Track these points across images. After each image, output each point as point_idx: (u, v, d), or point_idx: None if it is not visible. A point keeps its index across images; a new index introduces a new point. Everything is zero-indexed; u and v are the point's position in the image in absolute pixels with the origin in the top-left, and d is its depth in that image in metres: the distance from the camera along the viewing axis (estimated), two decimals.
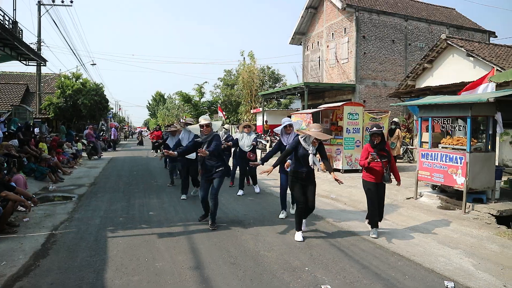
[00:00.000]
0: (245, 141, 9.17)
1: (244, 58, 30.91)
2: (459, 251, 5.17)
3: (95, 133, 21.57)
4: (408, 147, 15.71)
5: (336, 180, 5.43)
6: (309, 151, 5.39)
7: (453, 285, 4.02)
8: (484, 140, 7.48)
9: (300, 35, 25.46)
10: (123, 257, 4.73)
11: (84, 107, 23.29)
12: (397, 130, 12.90)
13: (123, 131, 54.17)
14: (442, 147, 7.71)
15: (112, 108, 44.99)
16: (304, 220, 5.78)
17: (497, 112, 7.10)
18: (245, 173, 9.51)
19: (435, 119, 7.90)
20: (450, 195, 7.77)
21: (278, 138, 6.83)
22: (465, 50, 13.42)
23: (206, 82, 60.60)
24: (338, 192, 9.12)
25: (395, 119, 13.90)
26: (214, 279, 4.09)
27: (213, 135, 6.01)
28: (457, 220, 6.65)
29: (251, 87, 29.86)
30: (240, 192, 8.98)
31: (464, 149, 7.13)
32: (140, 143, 33.93)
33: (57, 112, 23.04)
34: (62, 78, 24.30)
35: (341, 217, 6.94)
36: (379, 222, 5.93)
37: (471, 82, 10.54)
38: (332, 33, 21.90)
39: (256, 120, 28.30)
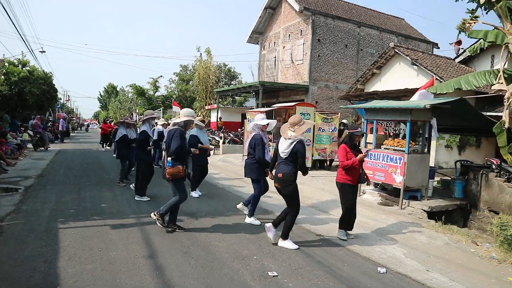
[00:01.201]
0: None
1: (200, 54, 30.86)
2: (393, 242, 5.69)
3: (43, 123, 20.70)
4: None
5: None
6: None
7: (385, 271, 4.48)
8: (421, 143, 8.15)
9: (258, 35, 25.83)
10: (75, 247, 4.78)
11: (31, 96, 22.27)
12: (346, 131, 13.54)
13: (71, 122, 52.16)
14: (385, 148, 8.32)
15: (61, 99, 43.14)
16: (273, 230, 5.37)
17: (433, 118, 7.78)
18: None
19: (379, 122, 8.49)
20: (389, 192, 8.40)
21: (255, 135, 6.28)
22: (410, 59, 14.34)
23: (161, 76, 59.47)
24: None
25: (344, 121, 14.59)
26: (167, 267, 4.27)
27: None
28: (394, 215, 7.24)
29: (207, 84, 29.86)
30: (195, 194, 8.37)
31: (403, 151, 7.75)
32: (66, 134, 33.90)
33: (0, 100, 21.87)
34: (7, 64, 23.08)
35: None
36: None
37: (414, 88, 11.38)
38: (289, 35, 22.44)
39: (210, 117, 28.39)
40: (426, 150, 8.17)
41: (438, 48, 26.25)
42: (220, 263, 4.46)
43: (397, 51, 15.00)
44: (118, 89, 70.81)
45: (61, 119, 26.80)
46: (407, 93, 12.34)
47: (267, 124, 6.33)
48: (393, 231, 6.31)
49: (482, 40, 8.34)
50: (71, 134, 36.90)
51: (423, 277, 4.40)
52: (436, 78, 12.79)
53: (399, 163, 7.72)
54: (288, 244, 5.15)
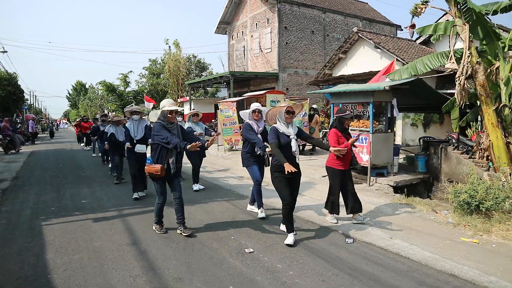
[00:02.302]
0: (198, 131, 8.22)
1: (169, 46, 30.67)
2: (361, 215, 6.14)
3: (12, 125, 20.30)
4: (326, 131, 17.06)
5: (339, 150, 5.11)
6: (291, 136, 4.83)
7: (352, 241, 4.92)
8: (384, 123, 8.65)
9: (225, 25, 25.91)
10: (61, 241, 5.00)
11: None
12: (316, 115, 13.99)
13: (40, 123, 50.94)
14: (351, 130, 8.76)
15: (27, 99, 42.01)
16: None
17: (393, 98, 8.26)
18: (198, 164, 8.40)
19: (345, 105, 8.93)
20: (358, 171, 8.89)
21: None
22: (373, 43, 14.88)
23: (131, 71, 58.41)
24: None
25: (314, 106, 15.04)
26: (150, 251, 4.56)
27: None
28: (363, 192, 7.72)
29: (178, 76, 29.78)
30: (196, 187, 8.24)
31: (368, 131, 8.22)
32: (51, 134, 34.08)
33: None
34: None
35: (263, 195, 7.67)
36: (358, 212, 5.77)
37: (378, 71, 11.91)
38: (256, 24, 22.65)
39: (183, 109, 28.40)
40: (389, 129, 8.67)
41: (402, 30, 27.09)
42: (200, 245, 4.79)
43: (360, 35, 15.51)
44: (87, 86, 69.30)
45: (30, 120, 26.29)
46: (372, 76, 12.85)
47: (258, 112, 5.98)
48: (362, 206, 6.76)
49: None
50: (41, 135, 36.30)
51: (386, 244, 4.85)
52: (398, 60, 13.37)
53: (365, 143, 8.19)
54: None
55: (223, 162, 12.61)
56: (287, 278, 3.82)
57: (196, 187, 8.25)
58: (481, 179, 6.32)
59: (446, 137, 11.84)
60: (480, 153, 8.07)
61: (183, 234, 5.11)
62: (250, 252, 4.52)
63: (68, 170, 11.90)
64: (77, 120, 28.02)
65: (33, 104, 56.36)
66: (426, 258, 4.35)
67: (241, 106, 14.49)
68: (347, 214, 5.83)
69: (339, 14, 23.39)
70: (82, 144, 21.42)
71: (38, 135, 30.45)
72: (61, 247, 4.77)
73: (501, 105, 7.57)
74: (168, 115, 4.96)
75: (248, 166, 6.05)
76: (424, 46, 16.72)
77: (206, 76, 31.12)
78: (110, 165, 10.93)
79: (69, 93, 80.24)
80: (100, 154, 13.85)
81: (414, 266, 4.15)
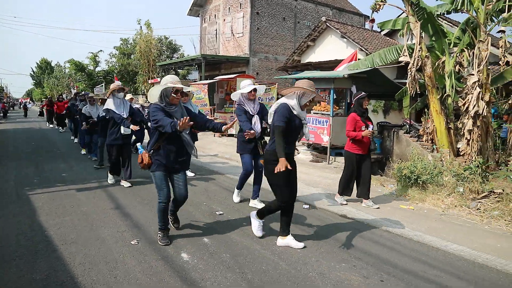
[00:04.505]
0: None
1: (141, 27, 30.53)
2: (319, 188, 6.99)
3: None
4: None
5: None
6: (303, 121, 4.05)
7: (308, 206, 5.75)
8: (344, 107, 9.51)
9: (198, 7, 26.10)
10: (50, 206, 5.52)
11: None
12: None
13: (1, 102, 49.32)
14: (314, 113, 9.59)
15: None
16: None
17: (352, 85, 9.11)
18: None
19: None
20: (319, 151, 9.76)
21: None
22: (340, 32, 15.71)
23: (101, 50, 57.39)
24: (231, 153, 10.62)
25: None
26: (133, 214, 5.20)
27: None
28: (322, 169, 8.60)
29: (149, 57, 29.79)
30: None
31: (329, 114, 9.06)
32: (25, 115, 32.65)
33: None
34: None
35: (233, 172, 8.41)
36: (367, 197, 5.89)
37: (343, 59, 12.75)
38: (229, 8, 23.03)
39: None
40: (347, 113, 9.54)
41: (373, 19, 28.12)
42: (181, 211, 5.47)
43: (328, 24, 16.29)
44: (53, 64, 67.17)
45: None
46: (337, 64, 13.69)
47: (254, 91, 5.40)
48: (320, 181, 7.62)
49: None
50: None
51: (337, 209, 5.69)
52: (362, 50, 14.28)
53: (326, 125, 9.04)
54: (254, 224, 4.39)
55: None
56: (251, 232, 4.55)
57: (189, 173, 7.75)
58: (423, 159, 7.29)
59: (402, 123, 12.91)
60: (426, 137, 9.08)
61: (158, 242, 4.18)
62: (220, 214, 5.27)
63: (41, 147, 12.17)
64: (46, 99, 26.98)
65: None
66: (368, 219, 5.22)
67: (212, 89, 15.04)
68: (356, 196, 6.03)
69: (310, 2, 24.09)
70: (51, 126, 20.64)
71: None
72: (51, 211, 5.32)
73: (445, 95, 8.55)
74: (173, 94, 4.06)
75: (242, 153, 5.62)
76: (388, 38, 17.71)
77: (177, 58, 31.26)
78: (85, 149, 10.36)
79: (33, 71, 77.48)
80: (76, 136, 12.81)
81: (357, 225, 5.01)
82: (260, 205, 5.44)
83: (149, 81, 29.38)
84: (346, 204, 5.93)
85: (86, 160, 9.64)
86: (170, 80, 4.13)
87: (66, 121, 16.21)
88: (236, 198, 5.96)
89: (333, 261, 3.77)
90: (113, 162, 6.96)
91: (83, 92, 13.85)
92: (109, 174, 7.14)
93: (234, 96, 5.64)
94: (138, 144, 4.76)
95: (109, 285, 3.21)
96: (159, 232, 4.27)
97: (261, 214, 4.34)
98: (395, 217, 5.37)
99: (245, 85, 5.46)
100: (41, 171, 8.22)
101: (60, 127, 17.83)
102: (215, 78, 16.36)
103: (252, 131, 5.16)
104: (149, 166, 4.12)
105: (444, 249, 4.24)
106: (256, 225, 4.39)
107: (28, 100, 62.29)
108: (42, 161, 9.51)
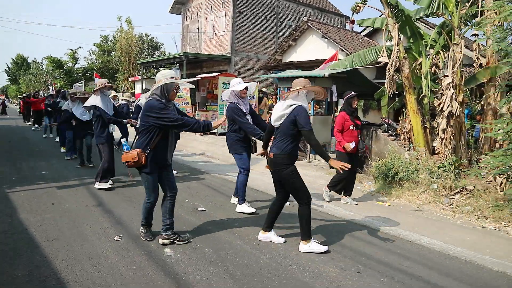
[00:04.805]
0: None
1: (121, 24, 30.21)
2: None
3: None
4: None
5: None
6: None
7: (289, 203, 5.86)
8: (324, 107, 9.69)
9: (180, 5, 25.99)
10: (30, 204, 5.48)
11: None
12: (264, 98, 14.90)
13: None
14: None
15: None
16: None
17: (333, 85, 9.29)
18: None
19: (291, 89, 9.86)
20: (300, 149, 9.91)
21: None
22: (321, 32, 15.94)
23: (80, 47, 56.23)
24: (213, 151, 10.69)
25: (264, 89, 15.93)
26: (115, 211, 5.23)
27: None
28: (302, 167, 8.73)
29: (129, 55, 29.53)
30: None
31: (310, 113, 9.21)
32: (3, 112, 31.69)
33: None
34: None
35: (215, 169, 8.51)
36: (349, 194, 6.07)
37: (324, 59, 12.95)
38: (211, 6, 23.03)
39: (135, 88, 28.27)
40: (329, 112, 9.74)
41: (354, 20, 28.54)
42: (158, 206, 5.48)
43: (310, 25, 16.51)
44: (30, 61, 65.58)
45: None
46: (318, 63, 13.91)
47: (246, 89, 5.35)
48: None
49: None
50: None
51: (317, 206, 5.84)
52: (342, 50, 14.53)
53: None
54: (314, 247, 3.99)
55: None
56: (233, 227, 4.66)
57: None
58: (400, 157, 7.52)
59: (381, 122, 13.21)
60: (403, 136, 9.34)
61: (176, 242, 4.13)
62: (202, 211, 5.36)
63: (19, 145, 11.98)
64: (23, 96, 26.13)
65: None
66: (346, 215, 5.40)
67: (194, 87, 15.03)
68: (339, 194, 6.22)
69: (292, 2, 24.29)
70: (28, 123, 19.64)
71: None
72: (32, 208, 5.28)
73: (422, 95, 8.82)
74: (174, 90, 3.99)
75: (237, 152, 5.40)
76: (368, 39, 18.05)
77: (159, 55, 31.02)
78: (66, 147, 9.73)
79: (8, 67, 75.40)
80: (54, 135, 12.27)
81: (336, 221, 5.18)
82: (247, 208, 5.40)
83: (130, 79, 29.11)
84: (329, 201, 6.09)
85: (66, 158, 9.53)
86: (173, 75, 4.03)
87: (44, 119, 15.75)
88: (249, 208, 5.42)
89: (312, 255, 3.90)
90: (108, 166, 6.48)
91: (63, 90, 13.41)
92: (102, 183, 6.43)
93: (225, 95, 5.46)
94: (123, 140, 4.60)
95: (93, 279, 3.26)
96: (142, 228, 4.30)
97: (306, 236, 4.00)
98: (372, 213, 5.56)
99: (236, 83, 5.37)
100: (19, 169, 8.11)
101: (37, 125, 17.21)
102: (197, 76, 16.36)
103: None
104: (142, 166, 3.97)
105: (417, 242, 4.44)
106: (316, 248, 3.99)
107: (4, 97, 60.58)
108: (21, 158, 9.37)
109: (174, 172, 7.69)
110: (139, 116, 4.10)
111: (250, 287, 3.21)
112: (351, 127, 5.85)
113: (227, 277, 3.36)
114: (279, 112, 3.96)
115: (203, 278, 3.34)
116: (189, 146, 12.06)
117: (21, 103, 23.51)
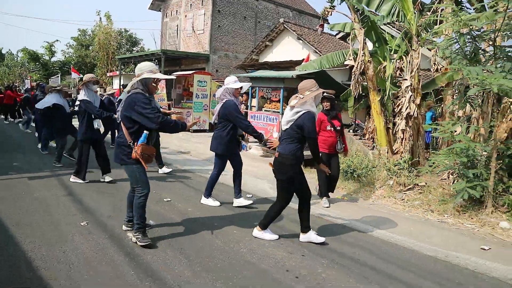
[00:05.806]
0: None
1: (100, 18, 29.99)
2: (265, 180, 7.51)
3: None
4: (246, 111, 18.44)
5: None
6: None
7: (251, 196, 6.23)
8: None
9: (160, 2, 26.04)
10: (1, 193, 5.61)
11: None
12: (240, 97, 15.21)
13: None
14: (265, 110, 10.11)
15: None
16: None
17: None
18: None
19: (261, 89, 10.24)
20: (269, 146, 10.28)
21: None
22: (296, 34, 16.35)
23: (57, 40, 55.34)
24: (187, 147, 10.96)
25: None
26: (86, 201, 5.44)
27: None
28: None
29: (108, 50, 29.33)
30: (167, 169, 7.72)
31: (278, 112, 9.60)
32: None
33: None
34: None
35: (186, 163, 8.79)
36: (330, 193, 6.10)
37: (299, 60, 13.37)
38: (191, 4, 23.19)
39: (112, 84, 28.14)
40: None
41: (328, 23, 29.08)
42: (125, 194, 5.69)
43: (286, 26, 16.90)
44: (4, 52, 63.99)
45: None
46: (292, 64, 14.32)
47: (241, 88, 5.44)
48: (268, 174, 8.08)
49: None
50: None
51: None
52: (316, 52, 14.98)
53: (275, 122, 9.57)
54: (267, 235, 4.30)
55: None
56: (195, 216, 4.97)
57: None
58: (359, 155, 7.97)
59: (350, 122, 13.72)
60: (368, 135, 9.83)
61: (138, 243, 3.87)
62: (167, 201, 5.65)
63: None
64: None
65: None
66: None
67: (171, 84, 15.25)
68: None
69: (271, 3, 24.66)
70: (6, 122, 17.73)
71: None
72: (3, 197, 5.42)
73: (385, 97, 9.31)
74: (153, 84, 3.94)
75: (234, 153, 5.59)
76: (342, 41, 18.55)
77: (137, 51, 30.97)
78: (42, 143, 9.52)
79: None
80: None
81: (292, 212, 5.52)
82: (247, 202, 5.59)
83: (108, 74, 28.95)
84: (329, 206, 5.92)
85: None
86: (150, 69, 3.90)
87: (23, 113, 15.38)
88: (246, 201, 5.62)
89: (263, 241, 4.25)
90: (84, 163, 6.45)
91: (42, 83, 13.19)
92: (77, 178, 6.46)
93: (218, 92, 5.49)
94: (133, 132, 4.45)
95: (58, 258, 3.52)
96: (138, 232, 3.89)
97: (264, 225, 4.30)
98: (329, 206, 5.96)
99: (231, 81, 5.36)
100: None
101: (11, 118, 16.71)
102: (173, 74, 16.55)
103: (275, 137, 5.04)
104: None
105: (363, 231, 4.86)
106: (268, 236, 4.30)
107: None
108: None
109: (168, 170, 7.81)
110: (118, 109, 4.03)
111: (202, 266, 3.54)
112: (328, 128, 5.97)
113: (182, 257, 3.68)
114: (287, 118, 4.19)
115: (159, 258, 3.65)
116: (164, 142, 12.25)
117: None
